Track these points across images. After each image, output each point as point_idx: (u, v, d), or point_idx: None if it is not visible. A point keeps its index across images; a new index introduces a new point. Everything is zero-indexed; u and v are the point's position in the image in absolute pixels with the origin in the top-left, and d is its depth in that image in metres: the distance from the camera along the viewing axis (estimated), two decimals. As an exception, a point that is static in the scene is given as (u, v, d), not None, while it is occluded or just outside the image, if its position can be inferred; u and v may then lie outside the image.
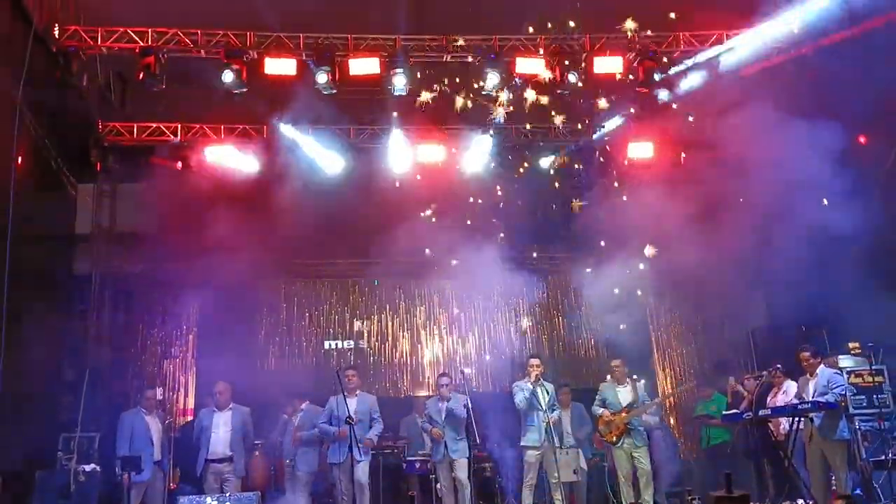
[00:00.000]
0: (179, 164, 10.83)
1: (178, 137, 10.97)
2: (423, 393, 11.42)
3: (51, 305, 10.36)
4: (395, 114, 10.99)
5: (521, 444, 8.38)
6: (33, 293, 9.57)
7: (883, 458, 7.78)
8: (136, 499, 8.18)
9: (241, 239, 11.18)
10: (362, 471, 7.98)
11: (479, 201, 11.01)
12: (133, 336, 11.50)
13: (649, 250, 10.96)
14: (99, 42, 9.61)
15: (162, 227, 11.24)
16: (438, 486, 8.58)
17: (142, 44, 9.60)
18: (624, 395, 8.66)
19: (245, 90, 9.73)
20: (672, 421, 11.36)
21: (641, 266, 12.50)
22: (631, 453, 8.39)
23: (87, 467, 8.32)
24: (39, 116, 9.52)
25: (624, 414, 8.49)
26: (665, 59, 10.16)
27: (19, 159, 9.01)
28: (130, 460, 8.01)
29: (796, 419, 8.30)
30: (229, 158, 10.96)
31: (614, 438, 8.49)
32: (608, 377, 9.01)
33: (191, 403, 11.38)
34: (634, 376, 9.07)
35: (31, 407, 9.12)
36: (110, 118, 10.96)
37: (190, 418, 10.62)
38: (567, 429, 9.14)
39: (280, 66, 9.79)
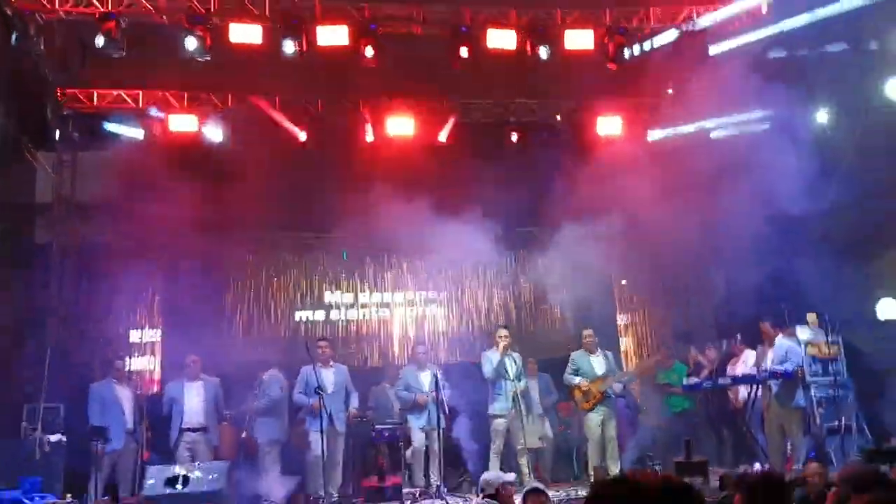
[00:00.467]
0: (142, 133, 10.60)
1: (140, 105, 10.73)
2: (394, 363, 11.43)
3: (12, 275, 10.19)
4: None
5: (489, 412, 8.51)
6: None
7: (836, 424, 8.07)
8: (106, 468, 8.15)
9: (206, 208, 11.07)
10: (337, 444, 8.09)
11: (449, 174, 10.99)
12: (96, 306, 11.32)
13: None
14: (57, 5, 9.28)
15: (125, 196, 11.05)
16: (408, 452, 8.68)
17: (101, 8, 9.27)
18: (598, 363, 8.81)
19: (209, 58, 9.52)
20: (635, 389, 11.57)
21: (607, 241, 12.73)
22: (603, 420, 8.57)
23: (53, 437, 8.23)
24: (-4, 82, 9.26)
25: (600, 382, 8.65)
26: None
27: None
28: (98, 430, 7.97)
29: (754, 387, 8.60)
30: (193, 127, 10.75)
31: (591, 405, 8.64)
32: (581, 348, 9.08)
33: (157, 374, 11.27)
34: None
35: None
36: (69, 85, 10.66)
37: (156, 389, 10.53)
38: (535, 398, 9.33)
39: (245, 33, 9.57)
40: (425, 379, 8.66)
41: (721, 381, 8.89)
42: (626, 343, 12.60)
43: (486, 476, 5.95)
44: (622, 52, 10.04)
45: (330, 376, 8.36)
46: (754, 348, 9.33)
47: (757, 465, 8.18)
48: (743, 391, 9.01)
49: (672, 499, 1.78)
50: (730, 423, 9.47)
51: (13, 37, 9.00)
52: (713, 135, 11.61)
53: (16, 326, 10.44)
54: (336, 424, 7.95)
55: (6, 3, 8.85)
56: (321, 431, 7.66)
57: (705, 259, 12.43)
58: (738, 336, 9.46)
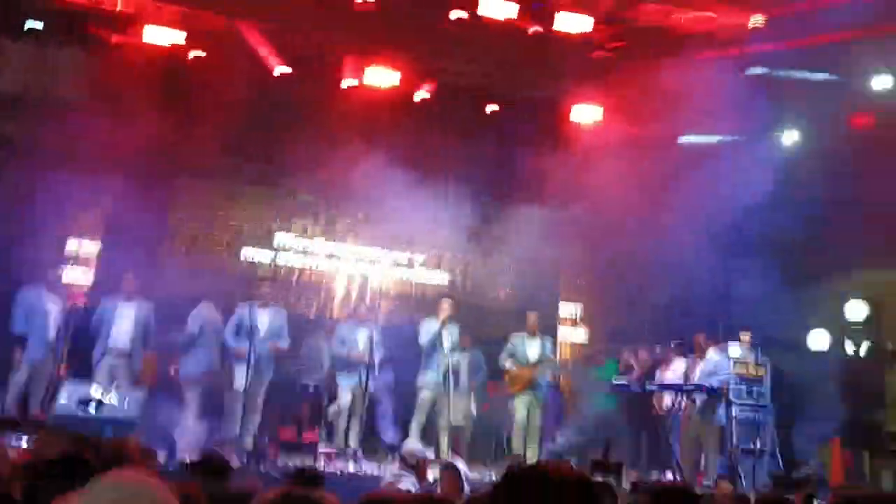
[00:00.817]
0: (113, 37, 10.18)
1: (118, 7, 10.27)
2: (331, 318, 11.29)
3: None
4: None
5: (417, 383, 8.47)
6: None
7: (751, 446, 8.29)
8: (22, 375, 7.95)
9: (166, 126, 10.73)
10: (262, 390, 8.00)
11: (419, 135, 10.85)
12: (35, 209, 10.94)
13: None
14: None
15: (85, 100, 10.64)
16: (331, 409, 8.66)
17: None
18: (533, 349, 8.78)
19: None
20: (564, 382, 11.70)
21: (563, 227, 12.75)
22: (528, 407, 8.58)
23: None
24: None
25: (532, 369, 8.64)
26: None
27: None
28: (19, 339, 7.76)
29: (679, 397, 8.78)
30: (168, 41, 10.36)
31: (518, 390, 8.63)
32: (523, 331, 9.03)
33: (88, 288, 10.96)
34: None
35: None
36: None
37: (85, 303, 10.24)
38: (464, 372, 9.25)
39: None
40: (361, 337, 8.56)
41: (649, 386, 9.03)
42: (563, 333, 12.67)
43: (409, 446, 5.92)
44: (610, 42, 9.97)
45: (265, 318, 8.19)
46: (686, 357, 9.50)
47: (669, 474, 8.39)
48: (667, 399, 9.17)
49: (583, 496, 1.78)
50: (649, 429, 9.65)
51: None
52: (680, 140, 11.64)
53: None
54: (262, 369, 7.84)
55: None
56: (247, 369, 7.57)
57: (653, 262, 12.56)
58: (672, 343, 9.61)
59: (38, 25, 10.34)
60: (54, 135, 10.60)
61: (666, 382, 9.16)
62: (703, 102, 10.52)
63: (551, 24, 9.94)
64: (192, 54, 10.51)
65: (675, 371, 9.47)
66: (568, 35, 10.04)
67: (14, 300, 8.27)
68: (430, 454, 6.87)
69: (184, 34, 10.40)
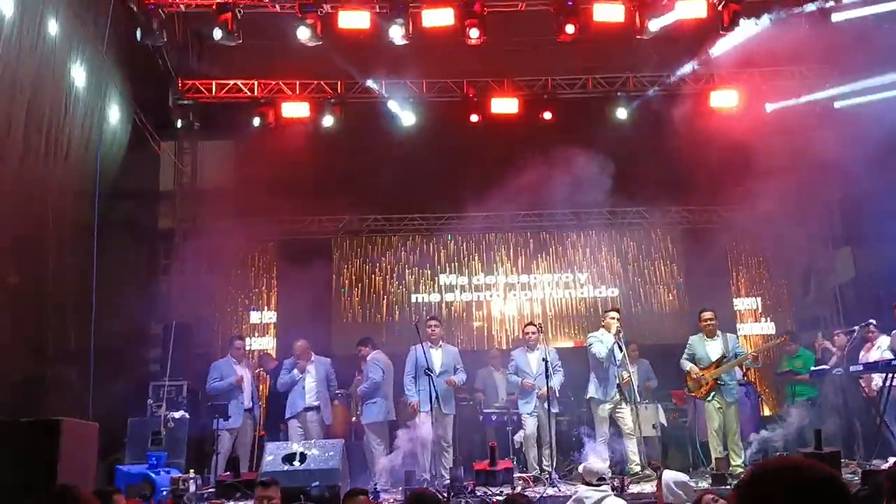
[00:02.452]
0: (257, 121, 10.93)
1: (256, 94, 11.05)
2: (500, 347, 11.38)
3: (137, 261, 10.74)
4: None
5: (593, 396, 8.20)
6: (121, 250, 9.93)
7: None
8: (226, 444, 8.48)
9: (319, 192, 11.34)
10: (447, 426, 8.09)
11: (556, 152, 10.77)
12: (214, 289, 11.82)
13: None
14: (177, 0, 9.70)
15: (242, 182, 11.44)
16: (517, 437, 8.58)
17: (218, 0, 9.62)
18: (714, 349, 8.29)
19: (320, 43, 9.70)
20: (753, 377, 11.07)
21: (725, 220, 12.25)
22: (721, 409, 8.08)
23: (177, 414, 8.56)
24: (123, 75, 9.72)
25: (713, 369, 8.16)
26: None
27: (107, 117, 9.29)
28: (217, 408, 8.27)
29: (891, 375, 8.01)
30: (305, 113, 11.00)
31: (703, 393, 8.18)
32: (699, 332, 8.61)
33: (274, 354, 11.66)
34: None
35: (122, 359, 9.50)
36: (189, 76, 11.10)
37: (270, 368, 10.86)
38: (637, 382, 8.89)
39: (353, 19, 9.71)
40: (534, 361, 8.47)
41: (853, 368, 8.33)
42: (744, 329, 12.04)
43: (588, 465, 5.72)
44: (737, 21, 9.54)
45: (439, 356, 8.29)
46: (889, 333, 8.71)
47: (892, 460, 7.64)
48: (877, 379, 8.41)
49: (835, 495, 1.60)
50: (861, 413, 8.87)
51: (138, 32, 9.41)
52: (837, 104, 10.90)
53: (141, 308, 10.99)
54: (443, 406, 7.90)
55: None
56: (430, 411, 7.67)
57: (830, 239, 11.76)
58: (872, 322, 8.81)
59: (187, 123, 11.25)
60: (219, 218, 11.47)
61: (872, 361, 8.40)
62: (851, 60, 9.91)
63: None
64: (330, 121, 11.03)
65: (880, 348, 8.67)
66: (690, 21, 9.73)
67: (208, 373, 8.84)
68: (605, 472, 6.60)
69: (306, 105, 10.98)
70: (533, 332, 8.63)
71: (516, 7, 10.09)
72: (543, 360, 8.09)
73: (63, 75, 7.86)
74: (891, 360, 7.88)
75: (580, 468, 5.76)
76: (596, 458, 7.58)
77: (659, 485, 5.16)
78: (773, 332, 11.88)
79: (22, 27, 6.92)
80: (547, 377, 7.98)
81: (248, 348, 9.77)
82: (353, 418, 9.18)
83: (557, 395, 8.49)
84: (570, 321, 12.11)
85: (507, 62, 11.38)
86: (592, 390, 8.22)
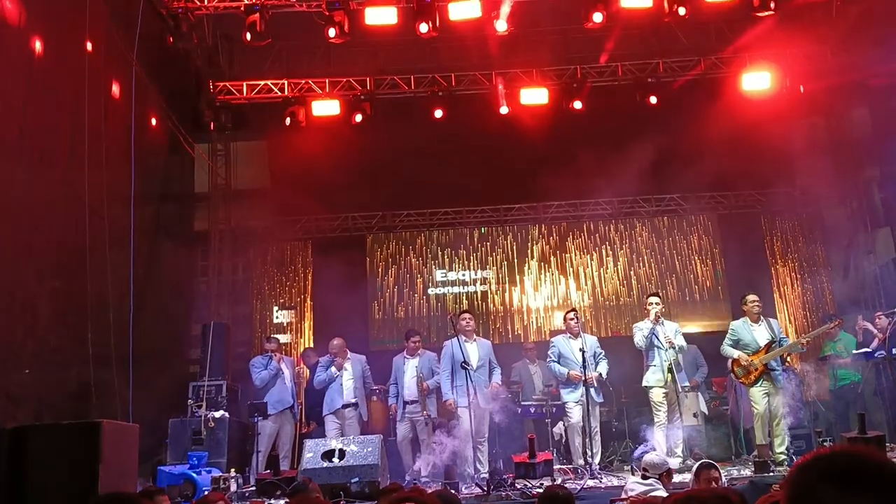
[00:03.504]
0: (288, 120, 10.99)
1: (286, 93, 11.12)
2: (536, 339, 11.36)
3: (175, 263, 10.90)
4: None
5: (644, 384, 8.05)
6: (158, 252, 10.09)
7: None
8: (266, 442, 8.57)
9: (348, 191, 11.41)
10: (484, 419, 8.03)
11: (587, 141, 10.69)
12: (251, 288, 11.97)
13: None
14: (206, 2, 9.77)
15: (274, 182, 11.54)
16: (556, 429, 8.54)
17: (246, 1, 9.67)
18: (760, 334, 7.95)
19: (347, 40, 9.72)
20: (795, 361, 10.89)
21: (759, 203, 12.08)
22: (768, 395, 7.85)
23: (217, 413, 8.64)
24: (153, 79, 9.85)
25: (763, 354, 7.91)
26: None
27: (142, 122, 9.44)
28: (257, 406, 8.35)
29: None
30: (335, 111, 11.04)
31: (752, 380, 7.92)
32: (743, 317, 8.36)
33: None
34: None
35: (162, 360, 9.66)
36: (220, 78, 11.20)
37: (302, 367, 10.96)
38: (683, 370, 8.70)
39: (380, 15, 9.72)
40: (577, 349, 8.24)
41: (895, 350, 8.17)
42: (785, 313, 11.86)
43: (650, 458, 5.63)
44: (769, 2, 9.34)
45: (474, 350, 8.26)
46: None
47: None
48: (922, 360, 8.24)
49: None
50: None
51: (169, 37, 9.53)
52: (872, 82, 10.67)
53: (180, 310, 11.17)
54: (480, 399, 7.86)
55: (160, 2, 9.38)
56: (468, 406, 7.66)
57: (868, 219, 11.53)
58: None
59: (219, 125, 11.34)
60: (254, 219, 11.60)
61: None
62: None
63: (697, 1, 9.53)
64: (359, 118, 11.06)
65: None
66: (719, 3, 9.59)
67: (250, 369, 8.92)
68: (672, 462, 6.52)
69: (337, 102, 11.01)
70: (573, 320, 8.47)
71: (543, -4, 10.00)
72: (581, 350, 8.00)
73: (99, 84, 7.99)
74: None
75: (643, 460, 5.71)
76: (660, 444, 7.52)
77: (701, 473, 5.10)
78: (815, 314, 11.68)
79: (59, 46, 7.07)
80: (585, 367, 7.90)
81: (284, 344, 9.81)
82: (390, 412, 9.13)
83: (606, 383, 8.41)
84: (607, 312, 12.04)
85: (535, 52, 11.31)
86: (647, 377, 8.08)
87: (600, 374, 8.13)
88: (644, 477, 5.52)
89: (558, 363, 8.33)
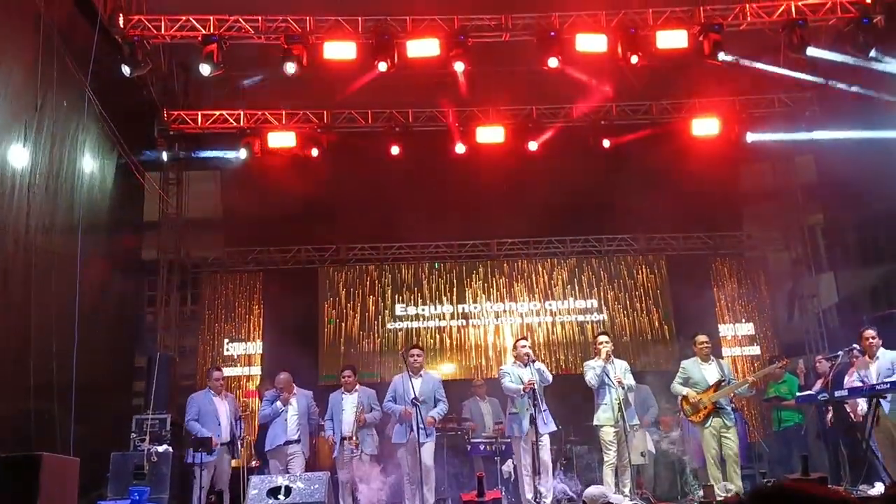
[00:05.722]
0: (243, 151, 10.92)
1: (242, 124, 11.07)
2: (485, 377, 11.33)
3: (121, 294, 10.64)
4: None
5: (595, 423, 8.03)
6: (104, 282, 9.85)
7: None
8: (206, 478, 8.32)
9: (303, 224, 11.35)
10: (427, 452, 7.89)
11: (541, 182, 10.86)
12: (199, 321, 11.75)
13: None
14: (162, 31, 9.70)
15: (227, 213, 11.41)
16: (505, 466, 8.48)
17: (204, 32, 9.64)
18: (710, 373, 8.06)
19: (305, 74, 9.74)
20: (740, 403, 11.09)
21: (709, 249, 12.35)
22: (720, 434, 7.90)
23: (160, 448, 8.41)
24: (106, 106, 9.70)
25: (712, 392, 8.00)
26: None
27: (90, 149, 9.27)
28: (202, 441, 8.14)
29: (875, 400, 8.03)
30: (291, 143, 11.02)
31: (701, 418, 7.99)
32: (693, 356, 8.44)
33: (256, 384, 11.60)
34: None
35: (105, 392, 9.37)
36: (174, 107, 11.10)
37: (256, 400, 10.78)
38: (633, 409, 8.70)
39: (339, 49, 9.77)
40: (525, 377, 8.11)
41: (838, 393, 8.34)
42: (730, 354, 12.08)
43: (590, 491, 5.65)
44: (719, 49, 9.68)
45: (418, 385, 8.18)
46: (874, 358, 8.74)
47: (879, 485, 7.64)
48: (863, 404, 8.43)
49: None
50: (847, 439, 8.88)
51: (124, 66, 9.41)
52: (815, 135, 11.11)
53: (125, 341, 10.89)
54: (420, 433, 7.74)
55: (116, 30, 9.29)
56: (416, 442, 7.56)
57: (811, 263, 11.90)
58: (856, 346, 8.84)
59: (172, 154, 11.22)
60: (204, 250, 11.42)
61: (856, 386, 8.41)
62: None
63: (652, 45, 9.81)
64: (314, 151, 11.05)
65: (864, 374, 8.69)
66: (672, 51, 9.89)
67: (187, 406, 8.69)
68: (615, 497, 6.53)
69: (292, 134, 11.01)
70: (524, 347, 8.32)
71: (500, 37, 10.17)
72: (536, 371, 7.87)
73: (47, 111, 7.83)
74: (874, 385, 7.91)
75: (584, 494, 5.72)
76: (596, 485, 7.46)
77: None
78: (759, 357, 11.94)
79: (7, 69, 6.94)
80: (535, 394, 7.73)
81: (231, 377, 9.60)
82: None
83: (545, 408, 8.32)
84: (557, 349, 12.11)
85: (493, 91, 11.48)
86: (597, 416, 8.04)
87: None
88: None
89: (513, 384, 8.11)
